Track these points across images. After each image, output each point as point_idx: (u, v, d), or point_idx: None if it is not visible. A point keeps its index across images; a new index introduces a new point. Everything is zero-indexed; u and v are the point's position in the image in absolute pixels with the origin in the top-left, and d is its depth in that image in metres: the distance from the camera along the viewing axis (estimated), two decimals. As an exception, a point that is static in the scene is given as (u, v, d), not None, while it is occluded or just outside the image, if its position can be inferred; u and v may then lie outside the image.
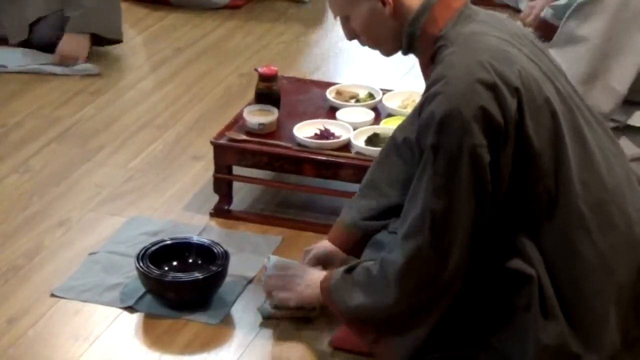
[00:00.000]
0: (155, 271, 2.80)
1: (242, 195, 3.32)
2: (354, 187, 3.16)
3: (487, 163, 2.24)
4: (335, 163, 3.12)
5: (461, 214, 2.27)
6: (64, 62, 4.23)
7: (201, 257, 2.90)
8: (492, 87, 2.23)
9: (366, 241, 2.70)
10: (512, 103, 2.24)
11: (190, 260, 2.91)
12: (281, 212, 3.28)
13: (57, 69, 4.21)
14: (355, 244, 2.76)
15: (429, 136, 2.27)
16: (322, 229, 3.12)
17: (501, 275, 2.35)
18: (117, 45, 4.46)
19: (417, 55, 2.47)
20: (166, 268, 2.86)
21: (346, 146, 3.15)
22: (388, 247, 2.48)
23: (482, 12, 2.44)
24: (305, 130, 3.19)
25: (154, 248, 2.88)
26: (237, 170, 3.26)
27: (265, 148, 3.18)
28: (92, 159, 3.60)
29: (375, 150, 3.07)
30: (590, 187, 2.33)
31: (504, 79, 2.25)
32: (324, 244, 2.82)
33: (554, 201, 2.31)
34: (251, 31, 4.62)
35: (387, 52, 2.53)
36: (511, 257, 2.34)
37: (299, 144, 3.16)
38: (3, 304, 2.84)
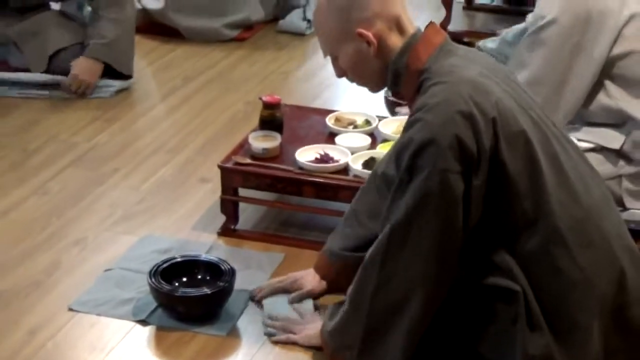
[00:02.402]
0: (166, 286, 2.81)
1: (247, 215, 3.32)
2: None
3: (458, 188, 2.25)
4: (334, 185, 3.12)
5: (424, 233, 2.29)
6: (76, 84, 4.22)
7: (209, 273, 2.90)
8: (469, 117, 2.25)
9: (347, 271, 2.67)
10: (487, 132, 2.26)
11: (199, 277, 2.90)
12: (283, 231, 3.29)
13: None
14: (337, 273, 2.78)
15: (406, 159, 2.29)
16: (321, 247, 3.12)
17: (488, 291, 2.36)
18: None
19: (401, 90, 2.47)
20: (176, 284, 2.86)
21: (344, 169, 3.16)
22: None
23: (462, 47, 2.47)
24: (306, 155, 3.20)
25: (164, 265, 2.88)
26: (242, 192, 3.26)
27: (268, 171, 3.18)
28: (106, 182, 3.61)
29: (371, 173, 3.10)
30: (568, 207, 2.34)
31: (481, 109, 2.26)
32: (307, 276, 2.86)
33: (533, 221, 2.32)
34: (256, 62, 4.63)
35: (374, 88, 2.54)
36: (497, 275, 2.34)
37: (301, 168, 3.17)
38: (24, 317, 2.84)
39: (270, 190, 3.26)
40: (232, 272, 2.87)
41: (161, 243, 3.19)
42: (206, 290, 2.81)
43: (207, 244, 3.18)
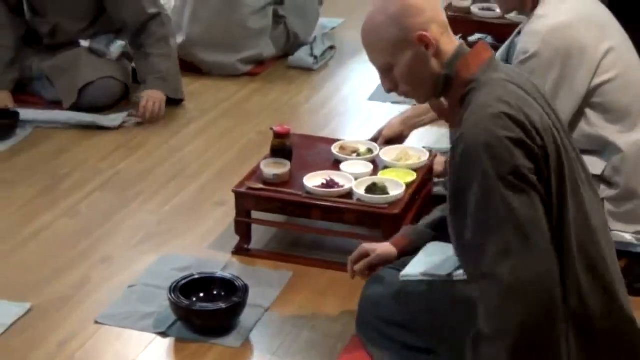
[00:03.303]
0: (185, 301, 2.81)
1: (259, 236, 3.32)
2: (356, 229, 3.20)
3: (535, 181, 2.18)
4: (339, 208, 3.12)
5: (536, 226, 2.18)
6: (148, 115, 4.23)
7: (224, 289, 2.90)
8: (521, 124, 2.18)
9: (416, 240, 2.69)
10: (539, 141, 2.20)
11: (215, 292, 2.90)
12: (292, 251, 3.28)
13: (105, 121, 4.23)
14: (409, 242, 2.75)
15: (474, 166, 2.17)
16: (328, 266, 3.15)
17: None
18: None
19: (447, 96, 2.37)
20: (194, 299, 2.87)
21: (349, 194, 3.15)
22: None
23: (503, 65, 2.41)
24: (313, 180, 3.20)
25: (183, 281, 2.89)
26: (255, 214, 3.27)
27: (279, 195, 3.19)
28: (130, 205, 3.61)
29: (373, 198, 3.10)
30: (580, 228, 2.29)
31: (530, 120, 2.21)
32: None
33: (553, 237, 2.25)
34: (267, 95, 4.63)
35: (425, 97, 2.42)
36: None
37: (308, 192, 3.17)
38: (54, 330, 2.85)
39: (280, 213, 3.27)
40: (245, 289, 2.87)
41: (180, 261, 3.19)
42: (221, 305, 2.81)
43: (222, 263, 3.18)
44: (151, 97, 4.27)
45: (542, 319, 2.19)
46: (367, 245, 2.79)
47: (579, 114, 3.05)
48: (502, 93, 2.24)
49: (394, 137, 3.54)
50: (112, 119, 4.24)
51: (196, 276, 2.94)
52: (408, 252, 2.71)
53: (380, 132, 3.57)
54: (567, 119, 3.02)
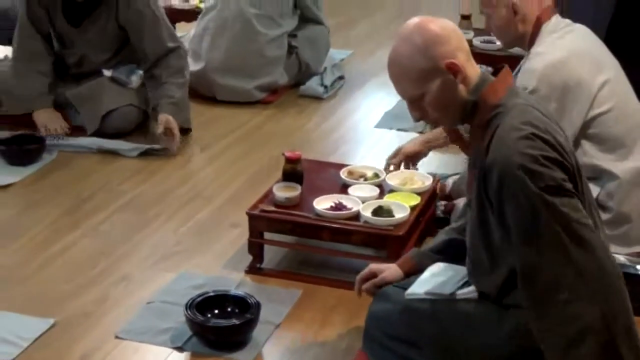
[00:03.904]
0: (200, 318, 2.81)
1: (271, 255, 3.31)
2: (363, 250, 3.20)
3: (574, 190, 2.19)
4: (347, 230, 3.13)
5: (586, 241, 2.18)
6: (168, 135, 4.21)
7: (238, 306, 2.90)
8: (552, 145, 2.19)
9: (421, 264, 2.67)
10: (568, 158, 2.22)
11: (229, 309, 2.90)
12: (302, 270, 3.28)
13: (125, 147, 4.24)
14: (415, 265, 2.72)
15: (518, 184, 2.16)
16: (336, 284, 3.15)
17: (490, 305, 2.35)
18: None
19: (472, 121, 2.35)
20: (209, 315, 2.86)
21: (356, 216, 3.15)
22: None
23: (522, 91, 2.42)
24: (322, 203, 3.20)
25: (199, 299, 2.88)
26: (267, 235, 3.26)
27: (290, 217, 3.19)
28: (149, 225, 3.62)
29: (379, 220, 3.10)
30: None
31: (557, 142, 2.21)
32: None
33: None
34: (280, 122, 4.64)
35: (453, 122, 2.40)
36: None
37: (318, 215, 3.17)
38: (76, 344, 2.85)
39: (291, 234, 3.27)
40: (257, 306, 2.86)
41: (196, 279, 3.19)
42: (235, 321, 2.81)
43: (236, 281, 3.18)
44: (170, 124, 4.24)
45: (621, 306, 2.18)
46: (375, 266, 2.78)
47: (575, 145, 3.05)
48: (529, 117, 2.24)
49: (413, 155, 3.55)
50: (132, 149, 4.24)
51: (211, 294, 2.93)
52: (413, 274, 2.70)
53: (399, 150, 3.57)
54: None
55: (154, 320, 2.95)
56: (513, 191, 2.18)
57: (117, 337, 2.88)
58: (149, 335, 2.88)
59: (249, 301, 2.89)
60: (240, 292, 2.98)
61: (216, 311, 2.89)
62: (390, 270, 2.74)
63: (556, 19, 3.09)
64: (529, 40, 3.07)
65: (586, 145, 3.06)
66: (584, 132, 3.05)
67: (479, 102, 2.31)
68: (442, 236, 2.76)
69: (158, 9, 4.35)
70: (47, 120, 4.29)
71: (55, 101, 4.41)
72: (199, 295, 2.90)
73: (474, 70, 2.34)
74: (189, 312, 2.81)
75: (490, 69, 4.98)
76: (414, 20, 2.35)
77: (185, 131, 4.41)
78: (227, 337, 2.82)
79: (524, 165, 2.16)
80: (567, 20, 3.13)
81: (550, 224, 2.16)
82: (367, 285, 2.75)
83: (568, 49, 3.02)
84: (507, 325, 2.36)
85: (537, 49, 3.04)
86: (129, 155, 4.21)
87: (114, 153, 4.23)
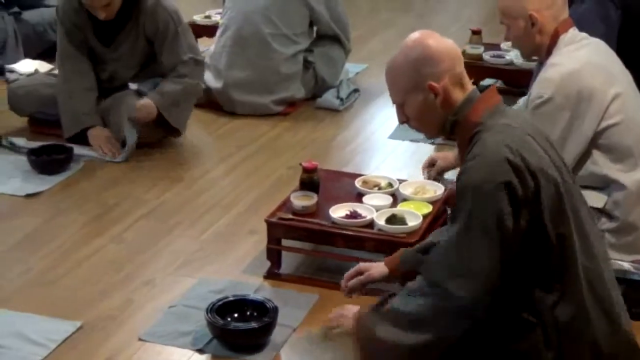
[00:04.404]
0: (220, 321, 2.81)
1: (288, 261, 3.31)
2: (377, 256, 3.17)
3: (509, 226, 2.21)
4: (361, 237, 3.12)
5: (485, 264, 2.22)
6: (140, 115, 4.21)
7: (256, 310, 2.90)
8: (516, 167, 2.21)
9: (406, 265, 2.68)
10: (530, 182, 2.23)
11: (248, 313, 2.90)
12: (318, 275, 3.27)
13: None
14: (400, 265, 2.73)
15: (465, 201, 2.24)
16: (351, 289, 3.14)
17: (512, 322, 2.31)
18: (194, 143, 4.49)
19: (455, 137, 2.41)
20: (229, 319, 2.86)
21: (370, 224, 3.15)
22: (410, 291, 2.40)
23: (510, 109, 2.43)
24: (338, 212, 3.20)
25: (219, 303, 2.89)
26: (284, 242, 3.26)
27: (307, 225, 3.19)
28: (171, 233, 3.61)
29: (393, 228, 3.09)
30: (584, 256, 2.31)
31: (526, 163, 2.23)
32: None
33: (560, 266, 2.28)
34: (297, 133, 4.64)
35: (432, 135, 2.49)
36: (522, 308, 2.29)
37: (333, 222, 3.17)
38: (101, 346, 2.86)
39: (307, 241, 3.27)
40: (275, 310, 2.86)
41: (216, 284, 3.18)
42: (253, 325, 2.81)
43: (255, 285, 3.18)
44: (144, 105, 4.23)
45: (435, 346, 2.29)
46: (362, 265, 2.78)
47: (586, 154, 3.04)
48: (503, 138, 2.26)
49: (447, 169, 3.56)
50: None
51: (231, 298, 2.94)
52: (399, 270, 2.70)
53: (434, 160, 3.58)
54: (575, 159, 3.01)
55: (177, 323, 2.96)
56: (462, 207, 2.25)
57: (140, 339, 2.88)
58: (172, 338, 2.88)
59: (267, 305, 2.89)
60: (258, 296, 2.98)
61: (235, 315, 2.89)
62: (376, 267, 2.74)
63: (573, 31, 3.09)
64: (547, 50, 3.07)
65: (596, 154, 3.04)
66: (595, 142, 3.03)
67: (460, 121, 2.36)
68: (430, 238, 2.77)
69: (180, 24, 4.33)
70: (102, 141, 4.28)
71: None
72: (219, 300, 2.91)
73: (461, 93, 2.37)
74: (210, 316, 2.81)
75: (498, 82, 5.04)
76: (417, 34, 2.42)
77: (173, 131, 4.37)
78: (246, 340, 2.82)
79: (477, 187, 2.22)
80: (584, 34, 3.12)
81: (466, 250, 2.25)
82: (353, 282, 2.75)
83: (583, 61, 3.01)
84: None
85: (553, 59, 3.03)
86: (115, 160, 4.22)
87: (138, 164, 4.23)
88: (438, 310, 2.28)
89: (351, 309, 2.56)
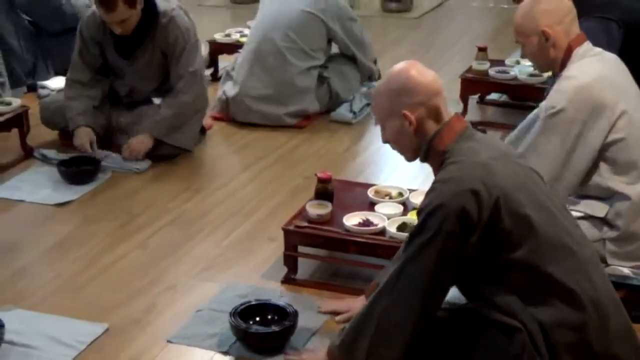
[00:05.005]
0: (243, 324, 2.81)
1: (304, 267, 3.31)
2: (388, 262, 3.17)
3: (454, 246, 2.28)
4: (374, 244, 3.12)
5: (422, 272, 2.31)
6: (130, 154, 4.23)
7: (277, 314, 2.89)
8: (475, 193, 2.27)
9: None
10: (489, 206, 2.27)
11: (269, 317, 2.89)
12: (333, 281, 3.27)
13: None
14: None
15: (420, 218, 2.33)
16: (362, 293, 3.10)
17: (492, 326, 2.33)
18: (215, 154, 4.49)
19: (430, 163, 2.49)
20: (251, 322, 2.85)
21: (382, 232, 3.15)
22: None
23: (478, 134, 2.47)
24: (351, 220, 3.20)
25: (242, 307, 2.88)
26: (301, 248, 3.26)
27: (322, 233, 3.19)
28: (193, 239, 3.62)
29: (403, 235, 3.07)
30: (562, 259, 2.33)
31: (487, 187, 2.28)
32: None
33: (532, 268, 2.31)
34: (312, 145, 4.63)
35: (408, 159, 2.55)
36: (499, 312, 2.32)
37: (347, 230, 3.16)
38: (126, 348, 2.86)
39: (322, 248, 3.27)
40: (295, 314, 2.86)
41: (241, 289, 3.17)
42: (275, 328, 2.80)
43: (276, 290, 3.16)
44: (134, 142, 4.25)
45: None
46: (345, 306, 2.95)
47: (593, 166, 3.03)
48: (467, 165, 2.33)
49: None
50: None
51: (253, 302, 2.93)
52: None
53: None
54: (584, 170, 3.00)
55: (204, 326, 2.95)
56: (421, 222, 2.33)
57: (169, 341, 2.88)
58: (199, 340, 2.88)
59: (288, 310, 2.88)
60: (279, 301, 2.97)
61: (258, 318, 2.88)
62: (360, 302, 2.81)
63: (587, 45, 3.09)
64: (561, 64, 3.07)
65: (602, 166, 3.03)
66: (602, 154, 3.02)
67: (430, 149, 2.43)
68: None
69: (189, 41, 4.29)
70: (83, 140, 4.25)
71: (107, 126, 4.42)
72: (243, 304, 2.90)
73: (435, 124, 2.43)
74: (233, 319, 2.81)
75: (504, 96, 5.02)
76: (403, 64, 2.50)
77: (182, 149, 4.35)
78: (267, 343, 2.81)
79: (436, 207, 2.28)
80: (599, 49, 3.13)
81: (414, 264, 2.33)
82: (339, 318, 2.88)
83: (596, 75, 3.01)
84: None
85: (567, 72, 3.04)
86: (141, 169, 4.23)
87: (161, 174, 4.23)
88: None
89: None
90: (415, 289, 2.32)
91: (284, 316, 2.86)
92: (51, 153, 4.35)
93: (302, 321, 2.89)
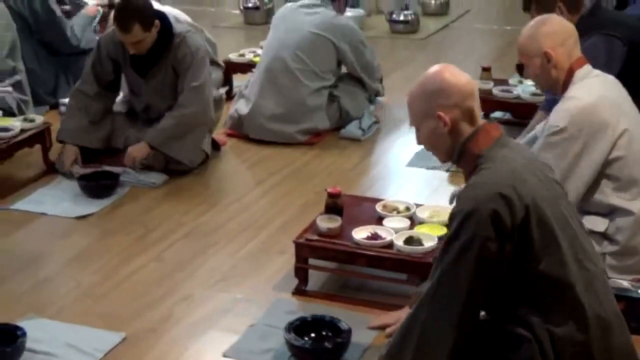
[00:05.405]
0: (298, 340, 2.79)
1: (315, 279, 3.31)
2: (396, 275, 3.19)
3: (492, 251, 2.23)
4: (382, 257, 3.12)
5: (462, 279, 2.26)
6: (127, 160, 4.23)
7: (331, 330, 2.87)
8: (507, 199, 2.23)
9: None
10: (520, 213, 2.24)
11: (323, 333, 2.86)
12: (342, 292, 3.27)
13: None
14: None
15: (455, 224, 2.27)
16: (372, 305, 3.14)
17: (506, 338, 2.31)
18: (228, 170, 4.50)
19: (462, 166, 2.45)
20: (306, 338, 2.83)
21: (390, 245, 3.15)
22: None
23: (512, 141, 2.45)
24: (360, 233, 3.20)
25: (297, 323, 2.87)
26: (311, 261, 3.26)
27: (331, 246, 3.19)
28: (207, 252, 3.62)
29: (410, 249, 3.09)
30: (579, 274, 2.32)
31: (518, 195, 2.25)
32: None
33: (554, 281, 2.29)
34: (323, 161, 4.63)
35: (442, 160, 2.51)
36: (516, 324, 2.30)
37: (356, 243, 3.17)
38: (143, 356, 2.88)
39: (332, 260, 3.27)
40: (349, 331, 2.82)
41: (290, 306, 3.15)
42: (327, 345, 2.79)
43: (329, 307, 3.09)
44: (132, 148, 4.26)
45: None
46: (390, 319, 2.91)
47: (595, 183, 3.03)
48: (499, 169, 2.30)
49: None
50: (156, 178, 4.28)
51: (308, 319, 2.91)
52: None
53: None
54: (585, 186, 3.00)
55: (257, 341, 2.93)
56: (455, 228, 2.27)
57: (225, 356, 2.87)
58: (253, 355, 2.86)
59: (341, 327, 2.85)
60: (333, 317, 2.92)
61: (312, 334, 2.86)
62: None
63: (587, 67, 3.10)
64: (563, 85, 3.07)
65: (604, 183, 3.03)
66: (603, 171, 3.02)
67: (464, 151, 2.39)
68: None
69: (196, 59, 4.30)
70: (67, 158, 4.30)
71: (127, 143, 4.42)
72: (297, 320, 2.89)
73: (469, 126, 2.39)
74: (289, 335, 2.79)
75: (508, 114, 5.03)
76: (438, 67, 2.46)
77: (179, 162, 4.32)
78: (322, 359, 2.79)
79: (469, 213, 2.24)
80: (598, 71, 3.14)
81: (451, 274, 2.28)
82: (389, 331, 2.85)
83: (598, 95, 3.02)
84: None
85: (570, 93, 3.04)
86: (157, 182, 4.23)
87: (177, 189, 4.25)
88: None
89: None
90: (455, 295, 2.26)
91: (338, 332, 2.84)
92: (75, 168, 4.35)
93: (354, 337, 2.86)
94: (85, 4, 5.71)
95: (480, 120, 2.42)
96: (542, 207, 2.28)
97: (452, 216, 2.31)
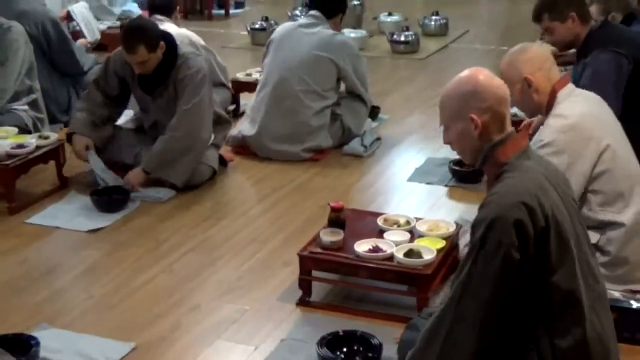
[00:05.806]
0: (330, 355, 2.76)
1: (318, 290, 3.31)
2: (396, 286, 3.19)
3: (515, 258, 2.20)
4: (383, 269, 3.13)
5: (485, 286, 2.21)
6: (127, 185, 4.25)
7: (363, 345, 2.84)
8: (530, 208, 2.21)
9: None
10: (540, 223, 2.22)
11: (355, 347, 2.84)
12: (345, 303, 3.27)
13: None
14: None
15: (479, 231, 2.22)
16: (373, 315, 3.14)
17: (512, 350, 2.29)
18: (235, 185, 4.51)
19: (486, 170, 2.41)
20: (337, 352, 2.81)
21: (390, 258, 3.15)
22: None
23: (536, 154, 2.44)
24: (362, 246, 3.21)
25: (329, 337, 2.84)
26: (315, 273, 3.27)
27: (334, 258, 3.20)
28: (215, 264, 3.63)
29: (410, 261, 3.10)
30: (588, 291, 2.30)
31: (540, 205, 2.22)
32: None
33: (565, 296, 2.27)
34: (326, 177, 4.65)
35: (467, 161, 2.46)
36: (522, 336, 2.27)
37: (358, 256, 3.17)
38: (153, 364, 2.89)
39: (335, 272, 3.27)
40: (380, 346, 2.80)
41: (320, 321, 3.10)
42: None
43: (361, 324, 3.04)
44: (130, 175, 4.28)
45: None
46: None
47: (581, 201, 3.03)
48: (524, 179, 2.27)
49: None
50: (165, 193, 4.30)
51: (340, 334, 2.88)
52: None
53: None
54: (577, 198, 3.01)
55: (288, 355, 2.90)
56: (477, 236, 2.23)
57: None
58: None
59: (373, 342, 2.84)
60: (365, 332, 2.90)
61: (345, 349, 2.83)
62: None
63: (570, 87, 3.11)
64: (547, 107, 3.09)
65: (591, 199, 3.05)
66: (588, 187, 3.03)
67: (491, 157, 2.35)
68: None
69: (195, 80, 4.29)
70: (79, 147, 4.34)
71: (137, 160, 4.43)
72: (330, 334, 2.86)
73: (499, 132, 2.36)
74: (321, 350, 2.77)
75: (512, 129, 5.01)
76: (473, 69, 2.43)
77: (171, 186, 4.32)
78: None
79: (493, 221, 2.20)
80: (580, 90, 3.16)
81: (473, 284, 2.23)
82: None
83: (581, 112, 3.04)
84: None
85: (555, 112, 3.06)
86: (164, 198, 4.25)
87: (185, 204, 4.26)
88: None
89: None
90: (480, 302, 2.21)
91: (369, 348, 2.81)
92: (90, 154, 4.36)
93: (385, 351, 2.83)
94: (81, 31, 5.97)
95: (510, 128, 2.39)
96: (560, 220, 2.26)
97: (477, 223, 2.25)
